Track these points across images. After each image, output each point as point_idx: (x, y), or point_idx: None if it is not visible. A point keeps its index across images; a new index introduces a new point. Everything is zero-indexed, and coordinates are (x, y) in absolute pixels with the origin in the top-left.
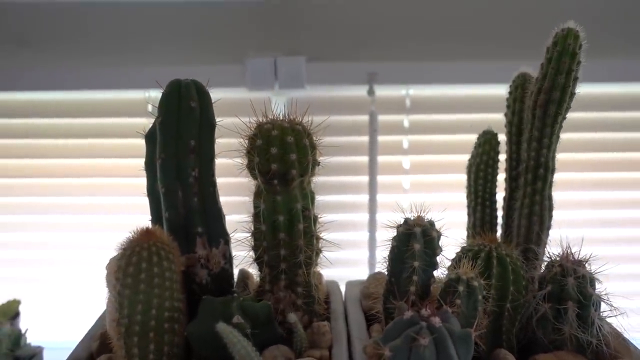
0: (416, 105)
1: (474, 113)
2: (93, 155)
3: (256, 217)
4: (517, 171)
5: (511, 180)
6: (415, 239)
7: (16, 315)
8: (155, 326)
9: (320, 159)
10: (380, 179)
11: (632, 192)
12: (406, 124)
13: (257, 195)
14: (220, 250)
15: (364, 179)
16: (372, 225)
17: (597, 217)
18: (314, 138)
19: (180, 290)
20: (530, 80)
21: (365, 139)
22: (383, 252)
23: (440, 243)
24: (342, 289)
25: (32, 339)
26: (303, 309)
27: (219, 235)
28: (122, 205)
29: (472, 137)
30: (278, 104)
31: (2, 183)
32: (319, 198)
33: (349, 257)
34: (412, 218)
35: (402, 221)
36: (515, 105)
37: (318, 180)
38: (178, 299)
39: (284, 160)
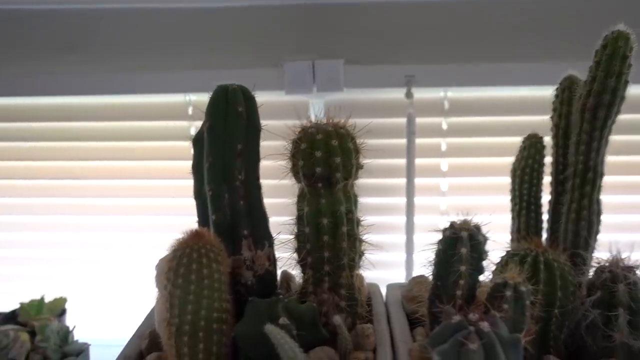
0: (454, 108)
1: (513, 115)
2: (138, 157)
3: (300, 219)
4: (564, 175)
5: (557, 184)
6: (462, 243)
7: (63, 312)
8: (205, 326)
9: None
10: (418, 181)
11: None
12: (444, 126)
13: (301, 198)
14: (264, 252)
15: (402, 181)
16: (409, 228)
17: None
18: (358, 142)
19: (228, 291)
20: (578, 82)
21: (403, 141)
22: (422, 255)
23: (486, 247)
24: (382, 291)
25: (80, 336)
26: (346, 311)
27: (263, 237)
28: (168, 207)
29: (511, 140)
30: (316, 107)
31: (53, 184)
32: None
33: (386, 259)
34: (457, 222)
35: (447, 225)
36: (562, 108)
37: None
38: (226, 300)
39: (328, 163)
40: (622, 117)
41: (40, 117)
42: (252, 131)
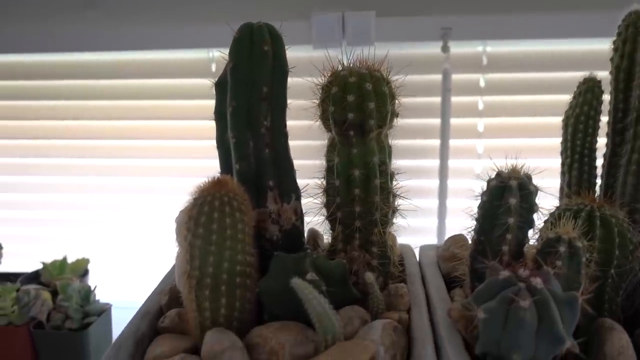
0: (493, 63)
1: (558, 72)
2: (160, 117)
3: (329, 171)
4: (624, 123)
5: (615, 135)
6: (510, 193)
7: (85, 272)
8: (227, 280)
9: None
10: (453, 142)
11: None
12: (482, 83)
13: (331, 148)
14: (291, 205)
15: (436, 142)
16: (442, 192)
17: None
18: (393, 86)
19: (252, 244)
20: None
21: (437, 99)
22: (455, 221)
23: (537, 199)
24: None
25: (101, 297)
26: (378, 270)
27: (290, 190)
28: (192, 168)
29: (555, 98)
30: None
31: (75, 144)
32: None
33: (418, 225)
34: (505, 170)
35: (493, 175)
36: (625, 47)
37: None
38: (250, 253)
39: (362, 108)
40: None
41: (59, 75)
42: (279, 73)
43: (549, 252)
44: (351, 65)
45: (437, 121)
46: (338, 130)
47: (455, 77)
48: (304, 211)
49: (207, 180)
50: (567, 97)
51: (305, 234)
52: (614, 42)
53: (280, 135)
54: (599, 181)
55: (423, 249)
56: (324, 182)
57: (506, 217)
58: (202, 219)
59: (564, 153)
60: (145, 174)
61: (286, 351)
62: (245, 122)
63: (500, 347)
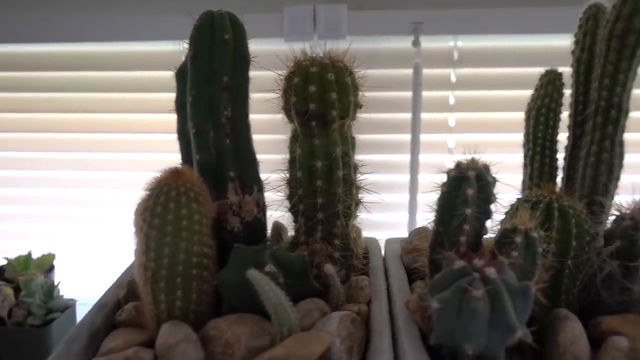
0: (465, 58)
1: (528, 67)
2: (127, 110)
3: (292, 163)
4: (584, 115)
5: (576, 127)
6: (468, 183)
7: (51, 268)
8: (183, 271)
9: (361, 111)
10: (424, 137)
11: None
12: (453, 78)
13: (293, 139)
14: (253, 197)
15: (407, 137)
16: (413, 187)
17: None
18: (357, 77)
19: (210, 235)
20: (605, 11)
21: (408, 94)
22: (425, 215)
23: (495, 191)
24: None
25: (67, 293)
26: (340, 263)
27: (252, 181)
28: (161, 162)
29: (526, 93)
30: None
31: (33, 137)
32: (358, 157)
33: (388, 220)
34: (464, 161)
35: (453, 165)
36: (585, 40)
37: (357, 137)
38: (207, 244)
39: (323, 99)
40: None
41: (23, 67)
42: (241, 62)
43: (505, 242)
44: (314, 56)
45: (408, 116)
46: (300, 121)
47: (427, 71)
48: (267, 204)
49: (164, 171)
50: None
51: (270, 227)
52: (575, 35)
53: (241, 125)
54: (561, 173)
55: (388, 242)
56: (287, 174)
57: (463, 208)
58: (157, 210)
59: (525, 145)
60: (113, 168)
61: (242, 343)
62: (206, 112)
63: (454, 337)
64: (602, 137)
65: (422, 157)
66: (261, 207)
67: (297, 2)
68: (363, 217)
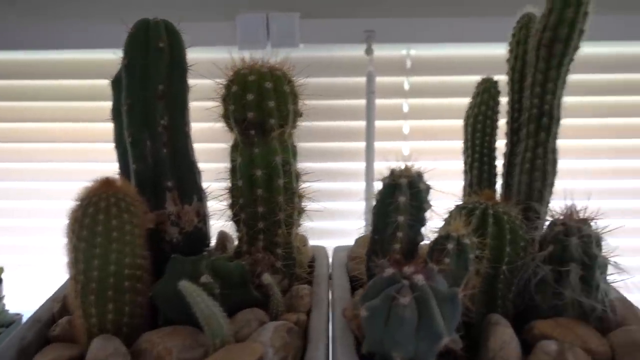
0: (418, 66)
1: (482, 75)
2: (68, 119)
3: (233, 171)
4: (519, 122)
5: (512, 133)
6: (400, 191)
7: None
8: (114, 284)
9: (309, 120)
10: (378, 145)
11: None
12: (407, 86)
13: (234, 148)
14: (193, 207)
15: (362, 144)
16: (368, 194)
17: (605, 168)
18: (296, 85)
19: (144, 246)
20: (536, 19)
21: (363, 102)
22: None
23: (429, 197)
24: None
25: (14, 308)
26: (282, 272)
27: (192, 191)
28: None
29: None
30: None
31: None
32: (312, 165)
33: (344, 227)
34: (397, 169)
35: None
36: (518, 49)
37: (311, 145)
38: (141, 255)
39: (261, 107)
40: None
41: None
42: (177, 70)
43: (438, 249)
44: (254, 64)
45: (363, 124)
46: (239, 130)
47: (381, 79)
48: (211, 213)
49: (94, 181)
50: None
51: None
52: (510, 44)
53: (180, 134)
54: (501, 179)
55: (336, 250)
56: (229, 183)
57: (396, 215)
58: (86, 221)
59: (465, 152)
60: (64, 179)
61: (173, 356)
62: (141, 121)
63: (383, 345)
64: (536, 144)
65: (378, 165)
66: (202, 216)
67: (251, 9)
68: (317, 225)
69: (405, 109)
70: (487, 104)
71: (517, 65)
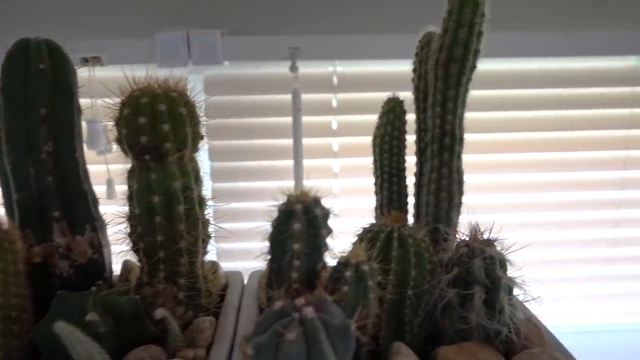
0: (345, 83)
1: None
2: None
3: (130, 198)
4: (425, 141)
5: (420, 153)
6: (295, 218)
7: None
8: None
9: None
10: (308, 162)
11: (550, 173)
12: (334, 103)
13: (130, 173)
14: (86, 238)
15: (289, 163)
16: None
17: (514, 201)
18: (196, 107)
19: (20, 284)
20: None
21: (290, 120)
22: None
23: (329, 223)
24: None
25: None
26: (186, 303)
27: (84, 220)
28: None
29: (409, 117)
30: (195, 83)
31: None
32: (240, 185)
33: None
34: (294, 194)
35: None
36: (421, 68)
37: (239, 165)
38: (17, 294)
39: (155, 131)
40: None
41: None
42: (62, 92)
43: (336, 277)
44: (147, 85)
45: (290, 142)
46: (133, 155)
47: (308, 97)
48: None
49: None
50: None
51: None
52: (413, 63)
53: (67, 160)
54: (413, 200)
55: (251, 275)
56: (127, 211)
57: (292, 243)
58: None
59: (375, 173)
60: None
61: None
62: (22, 147)
63: None
64: (440, 164)
65: (307, 183)
66: (97, 247)
67: (172, 26)
68: (247, 246)
69: (335, 126)
70: (393, 124)
71: (420, 84)
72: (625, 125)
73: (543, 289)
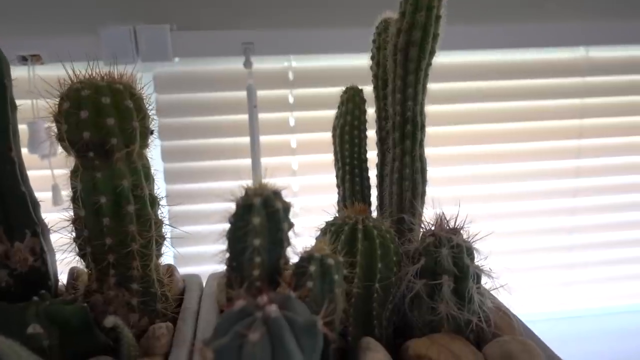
0: (301, 78)
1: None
2: None
3: (74, 200)
4: (386, 131)
5: (382, 142)
6: (254, 212)
7: None
8: None
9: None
10: (267, 160)
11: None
12: (291, 99)
13: (74, 173)
14: (26, 244)
15: (247, 161)
16: None
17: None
18: (143, 100)
19: None
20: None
21: (246, 117)
22: None
23: (290, 216)
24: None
25: None
26: (140, 310)
27: (24, 225)
28: None
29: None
30: (144, 79)
31: None
32: (195, 186)
33: None
34: (252, 187)
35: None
36: (379, 55)
37: (196, 165)
38: None
39: (99, 126)
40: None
41: None
42: None
43: (300, 272)
44: (89, 78)
45: (247, 139)
46: (76, 153)
47: (264, 93)
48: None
49: None
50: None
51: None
52: (371, 50)
53: (1, 160)
54: (375, 191)
55: (210, 278)
56: (72, 213)
57: (252, 239)
58: None
59: (336, 165)
60: None
61: None
62: None
63: None
64: (403, 153)
65: (267, 181)
66: (39, 254)
67: (118, 22)
68: (205, 249)
69: (292, 122)
70: (353, 114)
71: (379, 72)
72: (577, 114)
73: (510, 278)
